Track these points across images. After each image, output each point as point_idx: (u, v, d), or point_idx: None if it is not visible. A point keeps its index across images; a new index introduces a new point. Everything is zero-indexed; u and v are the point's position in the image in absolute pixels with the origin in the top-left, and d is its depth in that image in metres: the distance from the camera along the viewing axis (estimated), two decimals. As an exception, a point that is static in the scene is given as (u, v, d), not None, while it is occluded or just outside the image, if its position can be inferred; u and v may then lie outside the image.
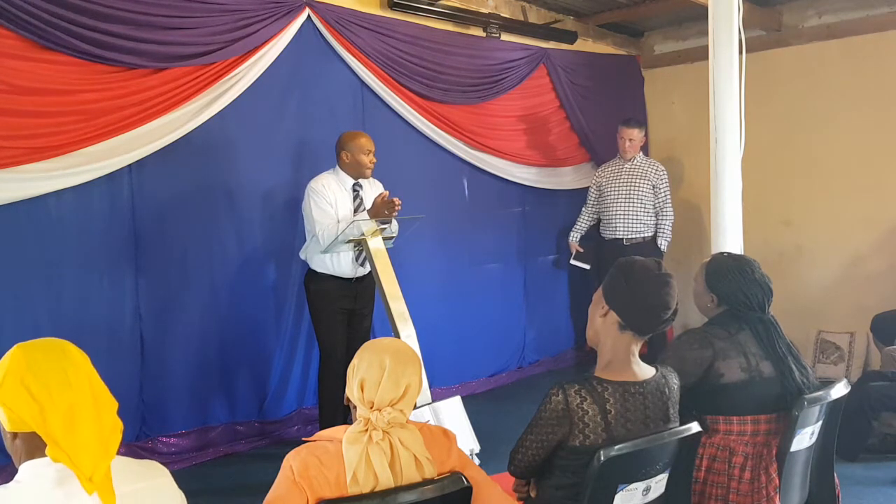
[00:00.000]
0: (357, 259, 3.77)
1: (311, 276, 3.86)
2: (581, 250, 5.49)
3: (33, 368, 1.25)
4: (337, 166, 3.80)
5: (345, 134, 3.80)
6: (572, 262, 5.50)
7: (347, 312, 3.86)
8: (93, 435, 1.24)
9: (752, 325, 2.24)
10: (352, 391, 1.65)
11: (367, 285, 3.88)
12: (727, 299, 2.29)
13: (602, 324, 1.89)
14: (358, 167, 3.75)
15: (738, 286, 2.26)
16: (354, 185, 3.81)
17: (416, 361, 1.68)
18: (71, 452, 1.21)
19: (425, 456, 1.60)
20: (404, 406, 1.63)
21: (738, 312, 2.27)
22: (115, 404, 1.32)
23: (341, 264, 3.76)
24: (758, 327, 2.23)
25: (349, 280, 3.82)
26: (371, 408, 1.61)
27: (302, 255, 3.90)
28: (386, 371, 1.62)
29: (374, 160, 3.80)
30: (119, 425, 1.31)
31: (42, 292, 3.38)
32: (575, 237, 5.52)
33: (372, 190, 3.85)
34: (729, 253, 2.57)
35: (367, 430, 1.58)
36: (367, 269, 3.81)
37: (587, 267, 5.42)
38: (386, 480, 1.54)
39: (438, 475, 1.61)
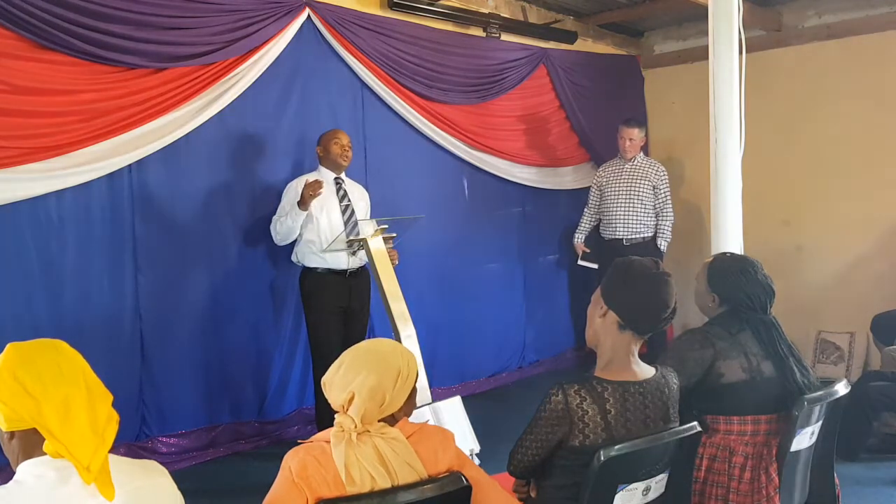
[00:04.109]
0: (350, 251, 3.80)
1: (306, 273, 3.89)
2: (587, 250, 5.48)
3: (26, 364, 1.27)
4: (318, 165, 3.92)
5: (322, 134, 3.92)
6: (580, 262, 5.47)
7: (342, 310, 3.87)
8: (88, 425, 1.26)
9: (753, 325, 2.24)
10: (325, 391, 1.66)
11: (361, 281, 3.90)
12: (729, 299, 2.29)
13: (601, 324, 1.89)
14: (330, 157, 3.86)
15: (740, 287, 2.26)
16: (336, 178, 3.89)
17: (379, 368, 1.59)
18: (68, 443, 1.23)
19: (415, 462, 1.58)
20: (354, 414, 1.55)
21: (739, 313, 2.27)
22: (109, 396, 1.34)
23: (336, 256, 3.78)
24: (759, 328, 2.23)
25: (343, 275, 3.83)
26: (335, 408, 1.62)
27: (294, 259, 3.93)
28: (339, 373, 1.62)
29: (349, 153, 3.89)
30: (115, 416, 1.32)
31: (42, 292, 3.37)
32: (579, 238, 5.51)
33: (358, 193, 4.00)
34: (731, 253, 2.56)
35: (342, 430, 1.57)
36: (362, 261, 3.86)
37: (595, 266, 5.40)
38: (382, 478, 1.53)
39: (432, 476, 1.60)
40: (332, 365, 1.65)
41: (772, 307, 2.28)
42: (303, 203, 3.67)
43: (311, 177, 3.86)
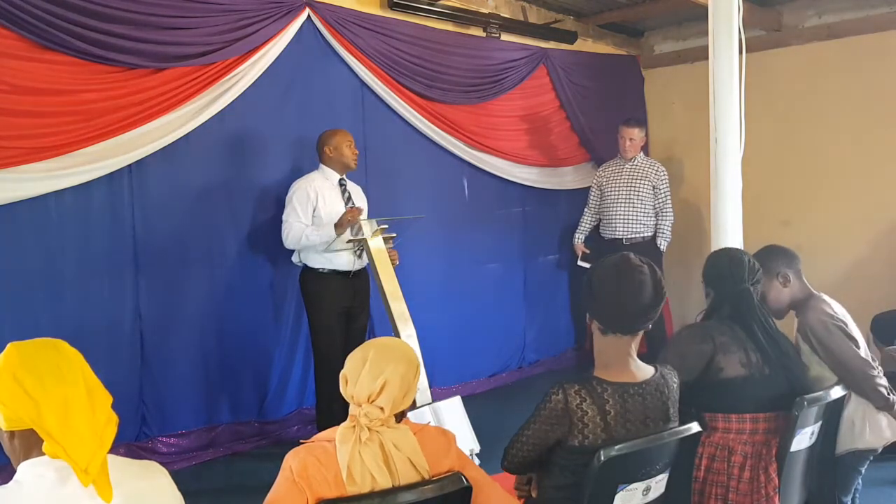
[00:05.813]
0: (355, 251, 3.80)
1: (308, 274, 3.87)
2: (587, 251, 5.47)
3: (27, 364, 1.27)
4: (321, 164, 3.88)
5: (325, 132, 3.89)
6: (580, 263, 5.46)
7: (345, 311, 3.87)
8: (88, 427, 1.25)
9: (730, 300, 2.26)
10: (343, 386, 1.66)
11: (363, 281, 3.91)
12: (710, 282, 2.36)
13: (594, 328, 1.93)
14: (342, 159, 3.84)
15: (714, 265, 2.36)
16: (340, 180, 3.88)
17: (404, 360, 1.65)
18: (66, 445, 1.22)
19: (419, 457, 1.59)
20: (384, 403, 1.60)
21: (719, 290, 2.30)
22: (109, 398, 1.33)
23: (340, 256, 3.78)
24: (738, 304, 2.25)
25: (346, 276, 3.83)
26: (353, 402, 1.63)
27: (295, 259, 3.92)
28: (366, 365, 1.63)
29: (357, 152, 3.89)
30: (114, 418, 1.32)
31: (42, 292, 3.37)
32: (579, 238, 5.51)
33: (359, 194, 3.99)
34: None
35: (354, 426, 1.59)
36: (365, 261, 3.85)
37: None
38: (383, 479, 1.53)
39: (433, 476, 1.61)
40: (353, 360, 1.65)
41: (751, 282, 2.28)
42: (340, 227, 3.64)
43: (314, 177, 3.84)
